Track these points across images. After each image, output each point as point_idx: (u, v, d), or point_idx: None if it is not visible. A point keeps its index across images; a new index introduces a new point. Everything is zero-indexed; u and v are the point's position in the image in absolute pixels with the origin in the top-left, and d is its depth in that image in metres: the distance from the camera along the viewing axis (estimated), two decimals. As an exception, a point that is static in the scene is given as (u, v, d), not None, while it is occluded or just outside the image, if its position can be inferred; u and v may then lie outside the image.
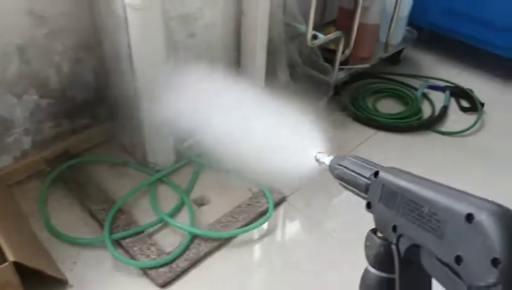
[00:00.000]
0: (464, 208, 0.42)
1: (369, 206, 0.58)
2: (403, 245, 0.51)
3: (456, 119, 2.20)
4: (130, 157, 1.79)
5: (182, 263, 1.41)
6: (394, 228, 0.52)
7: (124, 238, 1.46)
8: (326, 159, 0.73)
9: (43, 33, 1.49)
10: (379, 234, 0.57)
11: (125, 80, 1.55)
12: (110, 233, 1.46)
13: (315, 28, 1.99)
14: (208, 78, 1.07)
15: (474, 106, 2.26)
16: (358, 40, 2.12)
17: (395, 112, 2.21)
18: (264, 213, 1.60)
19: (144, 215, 1.56)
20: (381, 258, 0.56)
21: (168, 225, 1.53)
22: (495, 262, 0.38)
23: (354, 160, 0.64)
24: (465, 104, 2.29)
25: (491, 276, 0.38)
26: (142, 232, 1.49)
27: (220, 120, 0.92)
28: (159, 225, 1.53)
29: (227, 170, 1.73)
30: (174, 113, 1.16)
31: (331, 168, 0.70)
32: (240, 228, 1.54)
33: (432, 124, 2.14)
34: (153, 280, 1.37)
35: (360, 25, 2.09)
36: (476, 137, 2.11)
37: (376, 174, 0.56)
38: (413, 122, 2.14)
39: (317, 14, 2.16)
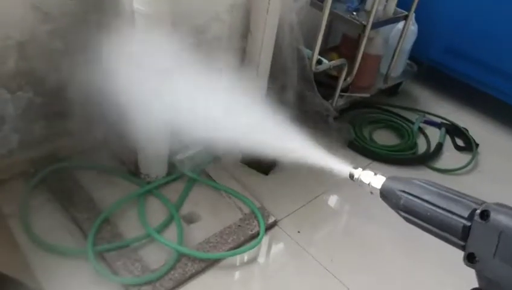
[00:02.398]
0: None
1: (471, 259, 0.41)
2: None
3: (450, 156, 2.21)
4: (120, 165, 1.73)
5: (166, 283, 1.35)
6: None
7: (108, 251, 1.40)
8: (374, 180, 0.54)
9: (46, 30, 1.44)
10: None
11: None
12: (94, 244, 1.40)
13: (318, 53, 1.98)
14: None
15: (469, 145, 2.27)
16: (359, 69, 2.12)
17: (391, 144, 2.21)
18: (254, 236, 1.55)
19: (131, 228, 1.50)
20: None
21: (155, 241, 1.47)
22: None
23: (431, 187, 0.46)
24: (460, 142, 2.29)
25: None
26: (127, 246, 1.43)
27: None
28: (146, 239, 1.47)
29: (220, 188, 1.69)
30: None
31: (389, 194, 0.52)
32: (228, 250, 1.49)
33: (427, 159, 2.14)
34: (134, 297, 1.30)
35: (363, 55, 2.09)
36: (469, 177, 2.11)
37: (484, 214, 0.41)
38: (409, 156, 2.14)
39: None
